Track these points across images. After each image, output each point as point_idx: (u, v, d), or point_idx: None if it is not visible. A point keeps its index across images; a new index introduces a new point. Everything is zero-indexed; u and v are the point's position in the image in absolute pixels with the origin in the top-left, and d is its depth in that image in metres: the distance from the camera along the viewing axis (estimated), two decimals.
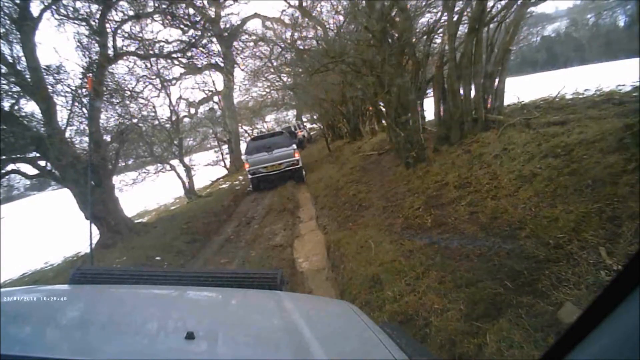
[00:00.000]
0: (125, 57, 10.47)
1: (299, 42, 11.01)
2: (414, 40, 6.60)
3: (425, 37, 7.89)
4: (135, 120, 12.37)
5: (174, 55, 11.07)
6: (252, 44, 16.27)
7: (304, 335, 1.13)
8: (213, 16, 15.19)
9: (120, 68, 15.07)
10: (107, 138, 9.90)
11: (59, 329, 1.19)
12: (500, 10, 6.32)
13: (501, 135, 5.68)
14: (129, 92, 11.21)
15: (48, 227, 16.63)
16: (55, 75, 8.95)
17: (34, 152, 8.53)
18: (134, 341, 1.10)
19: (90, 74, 9.74)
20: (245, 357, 1.04)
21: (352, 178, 8.41)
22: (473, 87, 6.41)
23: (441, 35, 7.59)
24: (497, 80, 6.59)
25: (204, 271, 3.59)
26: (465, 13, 6.36)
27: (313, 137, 25.71)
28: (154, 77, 14.49)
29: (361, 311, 1.61)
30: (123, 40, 10.23)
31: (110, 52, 9.89)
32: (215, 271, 3.20)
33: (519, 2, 6.36)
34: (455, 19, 6.32)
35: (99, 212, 9.05)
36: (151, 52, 10.43)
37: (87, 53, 9.40)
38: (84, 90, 9.31)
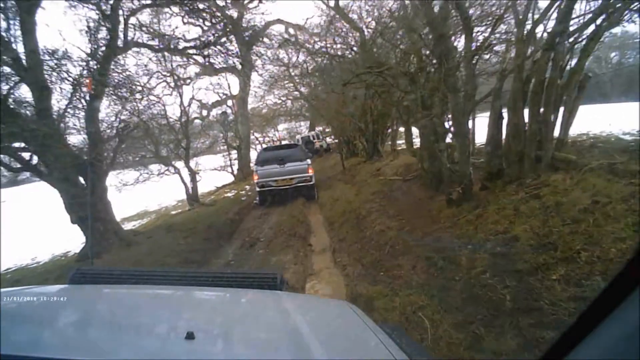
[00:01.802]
0: (136, 49, 9.33)
1: (329, 47, 9.78)
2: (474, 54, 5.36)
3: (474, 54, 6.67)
4: (142, 117, 11.27)
5: (190, 52, 9.92)
6: (275, 45, 15.16)
7: (304, 335, 1.10)
8: (235, 16, 14.12)
9: (131, 61, 14.08)
10: (109, 134, 8.68)
11: (59, 329, 1.17)
12: (580, 27, 5.11)
13: (580, 181, 4.42)
14: (137, 87, 10.10)
15: (44, 217, 15.41)
16: (56, 60, 7.82)
17: (20, 143, 7.37)
18: (134, 341, 1.07)
19: (90, 76, 8.70)
20: (245, 357, 1.02)
21: (375, 206, 7.13)
22: (539, 116, 5.17)
23: (498, 50, 6.37)
24: (566, 111, 5.37)
25: (204, 271, 3.47)
26: (538, 29, 5.15)
27: (331, 149, 24.58)
28: (167, 73, 13.49)
29: (361, 311, 1.54)
30: (135, 31, 9.11)
31: (120, 41, 8.79)
32: (216, 271, 3.12)
33: (598, 21, 5.17)
34: (525, 32, 5.10)
35: (86, 216, 7.84)
36: (165, 46, 9.27)
37: (93, 39, 8.26)
38: (85, 80, 8.18)
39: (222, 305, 1.54)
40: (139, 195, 15.23)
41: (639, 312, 0.59)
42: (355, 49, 8.53)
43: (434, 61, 5.56)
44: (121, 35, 8.77)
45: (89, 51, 8.37)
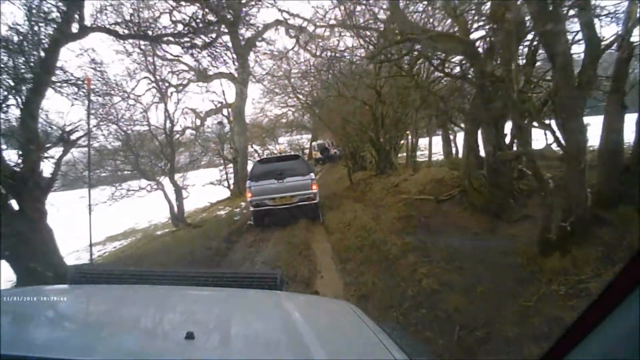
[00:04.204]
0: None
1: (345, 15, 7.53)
2: None
3: None
4: (113, 121, 9.16)
5: (165, 40, 7.73)
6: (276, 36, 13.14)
7: (304, 335, 1.05)
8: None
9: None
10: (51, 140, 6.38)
11: (59, 329, 1.15)
12: None
13: None
14: (104, 84, 7.96)
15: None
16: None
17: None
18: (134, 341, 1.04)
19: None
20: (245, 357, 0.97)
21: (410, 242, 4.81)
22: None
23: None
24: None
25: (204, 271, 3.13)
26: None
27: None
28: (150, 75, 11.35)
29: (361, 311, 1.46)
30: (97, 14, 6.95)
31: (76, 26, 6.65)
32: (215, 271, 3.01)
33: None
34: None
35: (15, 250, 5.58)
36: (133, 32, 7.08)
37: (36, 21, 6.11)
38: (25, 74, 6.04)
39: (222, 305, 1.44)
40: (129, 211, 13.10)
41: (639, 312, 0.56)
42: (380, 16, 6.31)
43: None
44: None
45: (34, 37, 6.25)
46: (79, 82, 6.86)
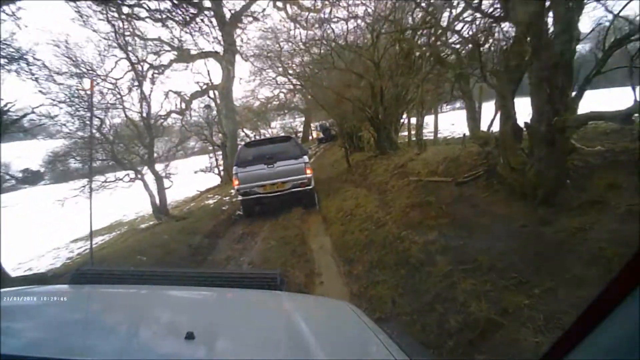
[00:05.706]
0: None
1: None
2: None
3: None
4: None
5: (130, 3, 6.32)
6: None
7: (304, 335, 1.02)
8: None
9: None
10: None
11: (59, 329, 1.09)
12: None
13: None
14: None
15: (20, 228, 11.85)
16: None
17: None
18: (134, 341, 1.03)
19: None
20: (245, 357, 0.94)
21: (434, 240, 3.60)
22: None
23: None
24: None
25: (204, 271, 3.26)
26: None
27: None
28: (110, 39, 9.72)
29: (361, 311, 1.42)
30: None
31: None
32: (216, 271, 2.94)
33: None
34: None
35: None
36: None
37: None
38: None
39: (222, 305, 1.41)
40: (119, 201, 12.01)
41: (639, 312, 0.54)
42: None
43: None
44: None
45: None
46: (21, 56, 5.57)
